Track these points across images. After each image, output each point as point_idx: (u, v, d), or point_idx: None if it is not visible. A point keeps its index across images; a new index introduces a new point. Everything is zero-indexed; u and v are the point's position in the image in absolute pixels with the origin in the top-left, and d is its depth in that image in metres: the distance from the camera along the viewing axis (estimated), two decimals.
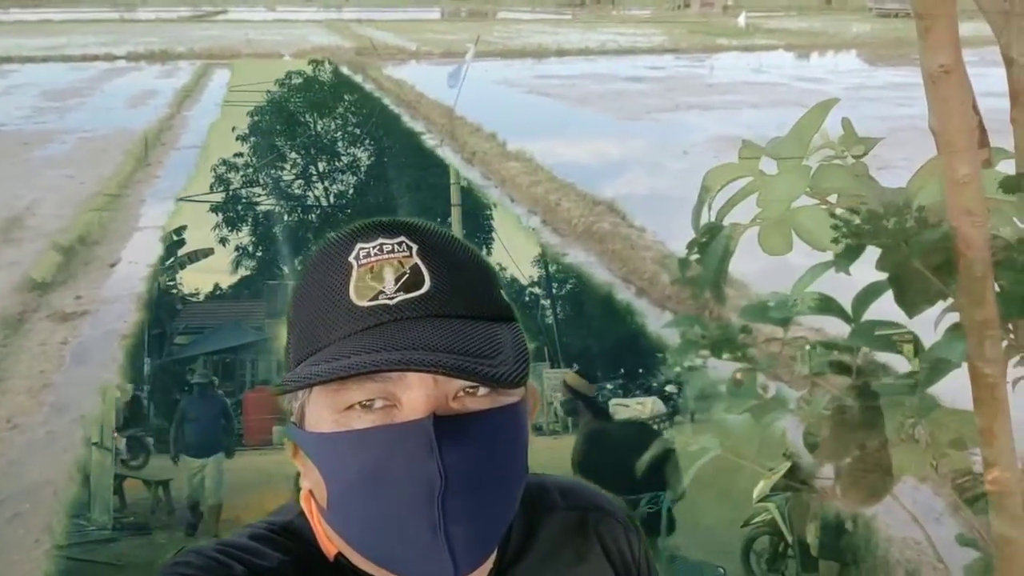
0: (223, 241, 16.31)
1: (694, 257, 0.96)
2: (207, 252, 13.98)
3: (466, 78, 14.37)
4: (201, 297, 15.21)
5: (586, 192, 10.64)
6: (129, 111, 18.06)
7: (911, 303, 1.00)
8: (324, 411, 0.61)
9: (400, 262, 0.61)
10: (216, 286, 16.37)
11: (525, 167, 12.23)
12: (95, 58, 28.26)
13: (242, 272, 16.49)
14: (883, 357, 1.31)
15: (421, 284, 0.61)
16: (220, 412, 6.54)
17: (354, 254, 0.62)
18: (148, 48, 30.21)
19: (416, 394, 0.59)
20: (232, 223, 16.95)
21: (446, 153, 14.60)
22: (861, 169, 0.94)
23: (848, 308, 1.32)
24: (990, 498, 0.89)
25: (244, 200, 17.48)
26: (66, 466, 5.05)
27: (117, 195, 11.42)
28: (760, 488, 3.16)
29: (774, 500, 3.44)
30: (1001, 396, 0.81)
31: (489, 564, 0.68)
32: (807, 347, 1.34)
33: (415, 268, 0.61)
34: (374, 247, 0.62)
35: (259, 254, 16.67)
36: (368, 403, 0.60)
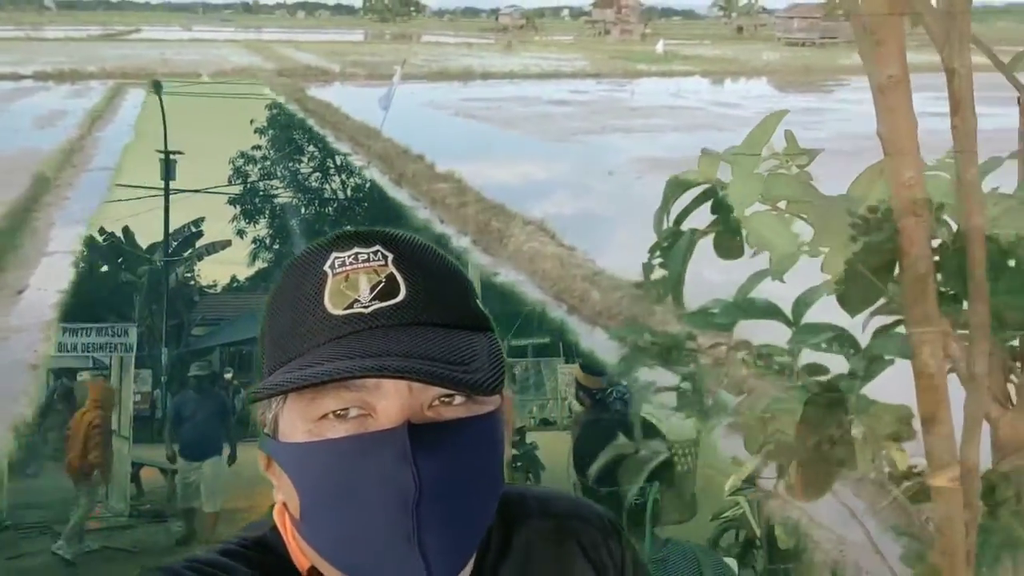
0: (240, 233, 15.97)
1: (657, 261, 1.00)
2: (224, 244, 13.63)
3: (393, 100, 14.36)
4: (218, 289, 14.76)
5: (516, 212, 10.74)
6: (36, 132, 17.27)
7: (853, 304, 1.06)
8: (298, 420, 0.60)
9: (375, 271, 0.61)
10: (233, 278, 15.92)
11: (454, 188, 12.27)
12: (0, 77, 26.96)
13: (259, 264, 16.12)
14: (823, 359, 1.38)
15: (396, 293, 0.61)
16: (218, 410, 5.99)
17: (329, 263, 0.61)
18: (57, 67, 29.02)
19: (391, 403, 0.58)
20: (250, 215, 16.65)
21: (374, 174, 14.50)
22: (804, 178, 1.00)
23: (789, 313, 1.39)
24: (933, 485, 0.95)
25: (261, 193, 17.23)
26: None
27: (24, 219, 10.86)
28: (731, 482, 3.23)
29: (744, 494, 3.53)
30: (941, 386, 0.87)
31: (466, 573, 0.67)
32: (744, 353, 1.40)
33: (390, 277, 0.61)
34: (349, 256, 0.61)
35: (276, 246, 16.39)
36: (342, 412, 0.59)
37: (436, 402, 0.60)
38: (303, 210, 17.12)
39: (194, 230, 13.14)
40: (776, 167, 1.06)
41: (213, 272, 14.57)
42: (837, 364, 1.42)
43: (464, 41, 58.47)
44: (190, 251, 13.23)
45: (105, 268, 13.81)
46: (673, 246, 0.97)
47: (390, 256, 0.62)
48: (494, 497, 0.64)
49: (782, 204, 0.96)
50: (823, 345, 1.33)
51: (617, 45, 55.30)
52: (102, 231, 12.98)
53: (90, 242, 12.24)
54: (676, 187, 0.95)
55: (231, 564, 0.64)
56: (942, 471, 0.91)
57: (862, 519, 1.56)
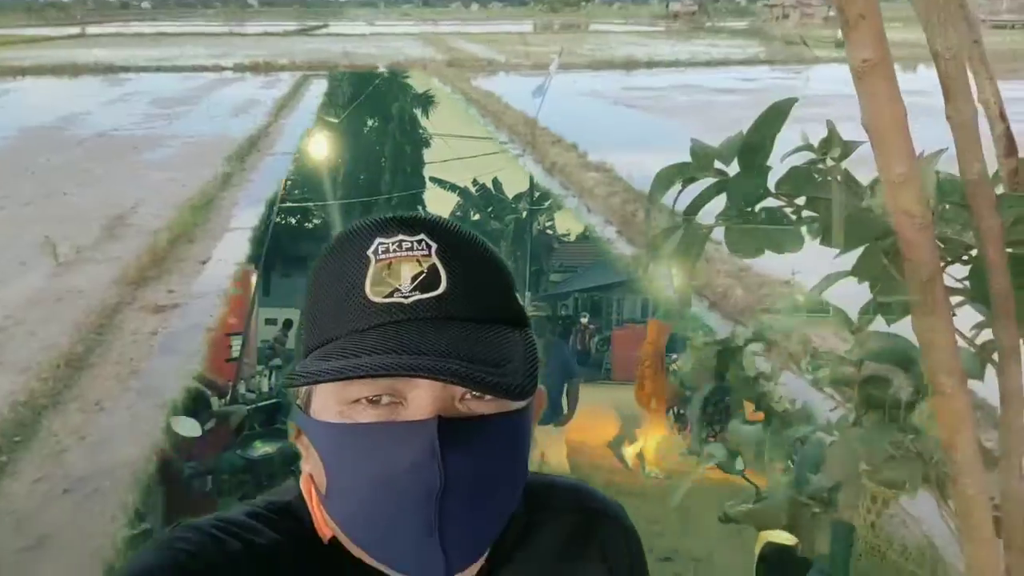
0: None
1: (654, 256, 0.95)
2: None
3: (551, 89, 14.44)
4: (572, 238, 15.99)
5: (663, 204, 10.49)
6: (232, 119, 19.01)
7: (895, 311, 0.96)
8: (330, 401, 0.62)
9: (419, 260, 0.61)
10: (587, 227, 17.21)
11: (604, 178, 12.18)
12: (204, 69, 29.92)
13: None
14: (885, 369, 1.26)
15: (437, 285, 0.61)
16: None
17: (373, 248, 0.62)
18: (253, 60, 31.73)
19: (423, 394, 0.59)
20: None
21: (527, 163, 14.70)
22: (838, 171, 0.91)
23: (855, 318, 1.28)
24: (959, 515, 0.85)
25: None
26: (146, 449, 5.34)
27: (213, 197, 12.04)
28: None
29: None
30: (961, 407, 0.77)
31: (481, 561, 0.68)
32: (808, 359, 1.30)
33: (432, 268, 0.61)
34: (393, 243, 0.62)
35: None
36: (375, 398, 0.60)
37: (468, 396, 0.61)
38: None
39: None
40: (814, 161, 0.98)
41: (566, 223, 15.29)
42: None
43: (632, 30, 57.60)
44: (549, 201, 13.90)
45: (476, 216, 15.06)
46: (679, 240, 0.92)
47: (434, 246, 0.62)
48: (517, 491, 0.65)
49: (800, 200, 0.89)
50: (884, 356, 1.22)
51: (796, 30, 52.21)
52: (475, 182, 14.08)
53: (464, 192, 13.33)
54: (666, 178, 0.90)
55: (256, 526, 0.67)
56: (965, 494, 0.81)
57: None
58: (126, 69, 28.55)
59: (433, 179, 19.34)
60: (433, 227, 0.63)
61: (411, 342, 0.58)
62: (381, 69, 31.88)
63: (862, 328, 1.26)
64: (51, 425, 5.59)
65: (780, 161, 0.89)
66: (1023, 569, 0.88)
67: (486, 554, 0.68)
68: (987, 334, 1.02)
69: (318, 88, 26.20)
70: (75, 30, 49.20)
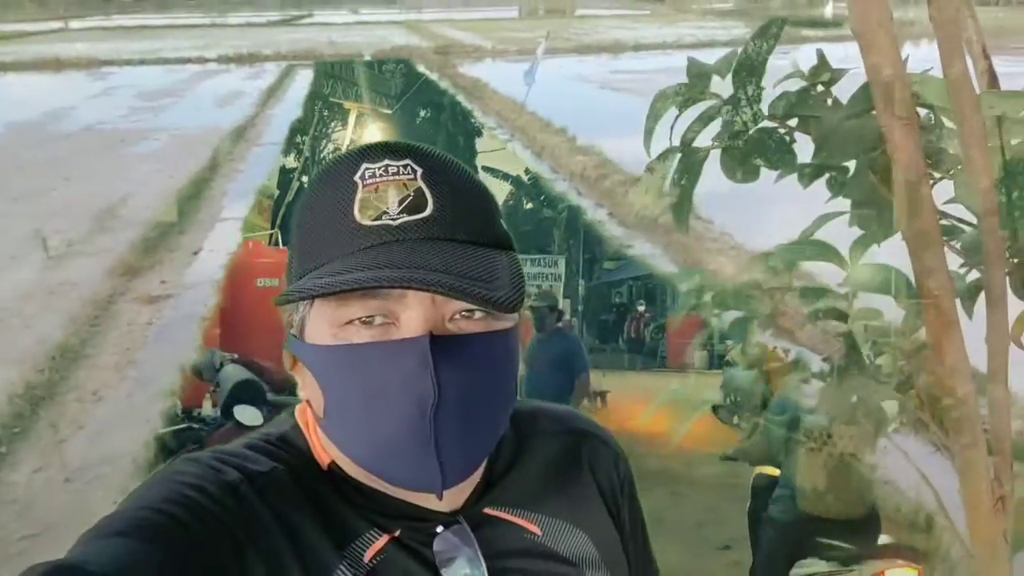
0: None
1: (650, 179, 0.98)
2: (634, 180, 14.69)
3: (538, 74, 14.41)
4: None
5: None
6: (218, 110, 18.89)
7: (862, 222, 0.99)
8: (324, 325, 0.63)
9: (405, 184, 0.63)
10: (636, 214, 17.08)
11: (594, 161, 12.20)
12: (188, 61, 29.62)
13: None
14: (877, 301, 1.30)
15: (424, 207, 0.63)
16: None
17: (359, 173, 0.63)
18: (237, 51, 31.45)
19: (414, 313, 0.61)
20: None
21: (516, 147, 14.69)
22: (824, 96, 0.94)
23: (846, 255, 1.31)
24: (948, 419, 0.88)
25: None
26: (145, 437, 5.35)
27: (202, 188, 12.00)
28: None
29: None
30: (947, 309, 0.80)
31: (476, 477, 0.71)
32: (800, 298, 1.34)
33: (419, 191, 0.63)
34: (379, 168, 0.63)
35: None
36: (368, 319, 0.62)
37: (457, 315, 0.63)
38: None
39: None
40: (806, 88, 1.01)
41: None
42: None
43: (618, 13, 57.41)
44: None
45: (530, 205, 14.97)
46: (675, 164, 0.95)
47: (419, 171, 0.64)
48: (507, 410, 0.67)
49: (793, 122, 0.91)
50: (876, 287, 1.26)
51: (782, 9, 52.13)
52: (527, 171, 14.02)
53: (516, 180, 13.25)
54: (663, 100, 0.93)
55: (254, 455, 0.69)
56: (956, 397, 0.84)
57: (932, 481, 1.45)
58: (109, 63, 28.24)
59: (486, 168, 19.36)
60: (419, 153, 0.65)
61: (401, 259, 0.60)
62: (367, 58, 31.70)
63: (853, 261, 1.29)
64: (49, 416, 5.59)
65: (772, 87, 0.92)
66: (1007, 472, 0.92)
67: (481, 471, 0.71)
68: (974, 274, 1.05)
69: (304, 78, 26.03)
70: (57, 24, 48.65)
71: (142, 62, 28.77)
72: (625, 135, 14.78)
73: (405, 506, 0.67)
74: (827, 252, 1.30)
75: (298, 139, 17.88)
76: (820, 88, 0.95)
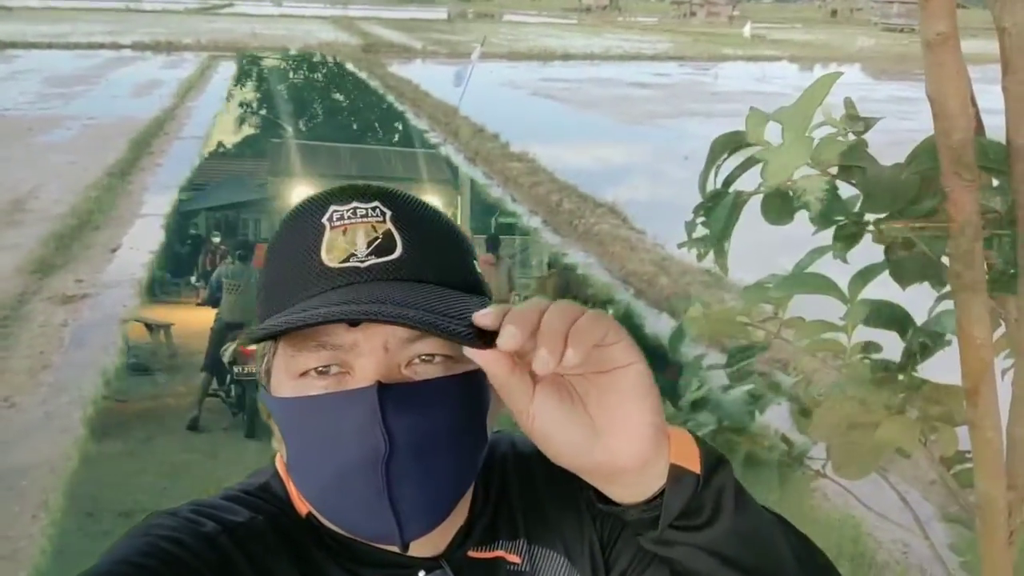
0: (228, 96, 15.74)
1: (700, 220, 1.00)
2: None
3: (471, 79, 14.44)
4: (205, 154, 15.41)
5: (587, 194, 10.69)
6: (134, 100, 18.10)
7: (904, 275, 1.04)
8: (283, 375, 0.62)
9: (373, 226, 0.61)
10: (219, 143, 16.37)
11: (527, 168, 12.29)
12: (101, 46, 28.30)
13: (246, 130, 16.19)
14: (877, 336, 1.35)
15: (393, 249, 0.61)
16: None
17: (327, 215, 0.62)
18: (154, 38, 30.24)
19: (365, 361, 0.59)
20: (237, 79, 16.39)
21: (449, 151, 14.65)
22: (861, 145, 0.98)
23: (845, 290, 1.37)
24: (974, 456, 0.94)
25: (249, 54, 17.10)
26: (63, 446, 5.07)
27: (120, 182, 11.45)
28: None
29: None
30: (987, 358, 0.85)
31: (459, 520, 0.70)
32: (796, 328, 1.38)
33: (388, 233, 0.61)
34: (348, 210, 0.62)
35: (263, 112, 16.38)
36: (324, 369, 0.60)
37: (416, 361, 0.60)
38: (291, 75, 16.82)
39: None
40: (833, 135, 1.05)
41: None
42: (892, 343, 1.40)
43: (546, 21, 58.05)
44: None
45: None
46: (717, 206, 0.97)
47: (388, 213, 0.62)
48: (475, 453, 0.65)
49: (833, 170, 0.95)
50: (877, 321, 1.31)
51: (702, 27, 53.89)
52: None
53: None
54: (722, 146, 0.95)
55: (233, 507, 0.66)
56: (985, 439, 0.89)
57: (914, 506, 1.53)
58: (14, 45, 26.66)
59: None
60: (388, 195, 0.64)
61: (363, 296, 0.58)
62: (292, 52, 31.00)
63: (853, 296, 1.34)
64: None
65: (806, 134, 0.96)
66: (1019, 507, 0.98)
67: (462, 513, 0.70)
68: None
69: (226, 70, 25.24)
70: None
71: (50, 46, 27.27)
72: (557, 142, 14.98)
73: (384, 554, 0.66)
74: (827, 286, 1.35)
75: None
76: (852, 136, 0.99)
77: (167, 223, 10.24)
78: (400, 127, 17.70)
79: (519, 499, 0.75)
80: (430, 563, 0.68)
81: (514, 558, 0.72)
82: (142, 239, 9.42)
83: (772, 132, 0.93)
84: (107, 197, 10.63)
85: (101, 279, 8.12)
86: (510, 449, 0.79)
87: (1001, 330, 1.00)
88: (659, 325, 7.40)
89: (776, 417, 1.69)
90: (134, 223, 9.98)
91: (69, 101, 17.62)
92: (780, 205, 0.95)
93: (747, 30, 40.96)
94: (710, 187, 0.98)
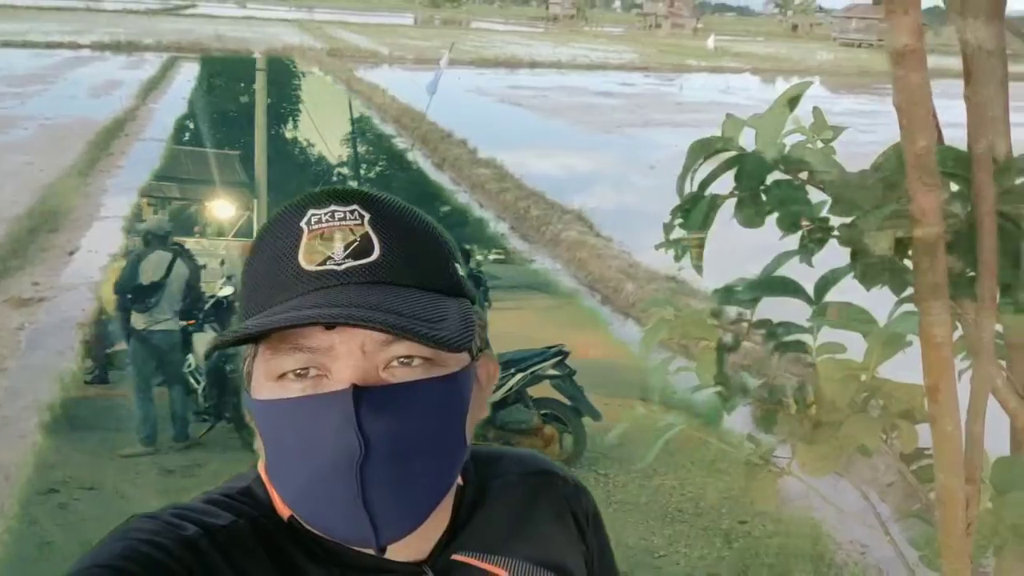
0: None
1: (677, 222, 1.03)
2: None
3: (439, 84, 14.45)
4: None
5: (555, 201, 10.76)
6: (92, 100, 17.72)
7: (869, 276, 1.08)
8: (262, 378, 0.62)
9: (351, 229, 0.61)
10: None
11: (495, 174, 12.32)
12: (59, 46, 27.69)
13: None
14: (841, 337, 1.40)
15: (370, 252, 0.61)
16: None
17: (305, 219, 0.62)
18: (114, 38, 29.69)
19: (342, 364, 0.59)
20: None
21: (416, 157, 14.63)
22: (829, 152, 1.02)
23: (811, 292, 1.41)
24: (934, 450, 0.98)
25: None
26: (20, 452, 4.93)
27: (78, 184, 11.21)
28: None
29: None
30: (947, 356, 0.89)
31: (442, 524, 0.70)
32: (764, 330, 1.42)
33: (365, 236, 0.61)
34: (326, 213, 0.62)
35: None
36: (302, 371, 0.60)
37: (394, 363, 0.60)
38: None
39: None
40: (803, 142, 1.09)
41: None
42: (856, 344, 1.45)
43: (513, 29, 58.28)
44: None
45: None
46: (694, 209, 1.00)
47: (367, 216, 0.62)
48: (453, 458, 0.64)
49: (804, 175, 0.99)
50: (841, 323, 1.36)
51: (667, 39, 54.62)
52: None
53: None
54: (698, 150, 0.99)
55: (214, 510, 0.66)
56: (944, 433, 0.93)
57: (875, 503, 1.58)
58: None
59: None
60: (366, 198, 0.63)
61: (339, 300, 0.58)
62: (257, 55, 30.67)
63: (817, 298, 1.38)
64: None
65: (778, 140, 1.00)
66: (975, 499, 1.03)
67: (445, 517, 0.71)
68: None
69: (189, 71, 24.86)
70: None
71: (6, 44, 26.58)
72: (524, 149, 15.01)
73: (366, 558, 0.65)
74: (793, 289, 1.39)
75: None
76: (820, 144, 1.03)
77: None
78: (191, 125, 17.42)
79: (514, 516, 0.76)
80: (413, 568, 0.68)
81: (501, 572, 0.72)
82: (101, 242, 9.22)
83: (746, 139, 0.97)
84: (65, 199, 10.39)
85: (58, 282, 7.92)
86: (517, 466, 0.80)
87: (959, 333, 1.05)
88: (624, 331, 7.48)
89: (743, 417, 1.73)
90: (92, 225, 9.77)
91: (25, 100, 17.19)
92: (752, 210, 0.98)
93: (711, 42, 41.68)
94: (686, 191, 1.02)
